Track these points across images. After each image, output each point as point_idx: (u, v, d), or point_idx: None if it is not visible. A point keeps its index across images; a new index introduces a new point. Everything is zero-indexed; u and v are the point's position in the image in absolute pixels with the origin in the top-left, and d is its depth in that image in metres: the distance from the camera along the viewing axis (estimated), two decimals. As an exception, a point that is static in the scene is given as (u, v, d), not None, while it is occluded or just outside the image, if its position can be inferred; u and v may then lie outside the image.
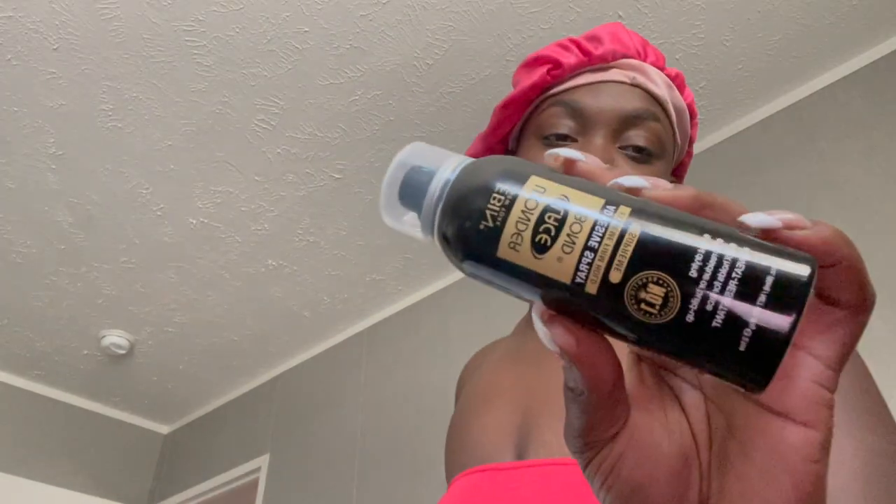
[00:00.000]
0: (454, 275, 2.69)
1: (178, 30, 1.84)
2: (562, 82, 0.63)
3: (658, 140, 0.60)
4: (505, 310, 2.43)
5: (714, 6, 1.80)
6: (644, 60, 0.64)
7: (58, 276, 2.67)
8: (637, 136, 0.59)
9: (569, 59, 0.62)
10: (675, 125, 0.64)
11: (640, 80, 0.61)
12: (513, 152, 0.67)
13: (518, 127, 0.67)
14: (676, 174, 0.71)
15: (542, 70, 0.62)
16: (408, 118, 2.09)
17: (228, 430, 3.30)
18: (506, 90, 2.00)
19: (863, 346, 1.59)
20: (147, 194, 2.34)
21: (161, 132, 2.13)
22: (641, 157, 0.59)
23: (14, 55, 1.90)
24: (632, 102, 0.60)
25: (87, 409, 3.44)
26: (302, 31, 1.85)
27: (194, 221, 2.45)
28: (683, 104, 0.66)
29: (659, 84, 0.62)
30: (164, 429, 3.71)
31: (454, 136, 2.14)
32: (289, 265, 2.64)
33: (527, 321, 0.69)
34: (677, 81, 0.65)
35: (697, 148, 2.16)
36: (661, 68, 0.65)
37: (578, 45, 0.62)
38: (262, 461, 2.98)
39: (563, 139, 0.60)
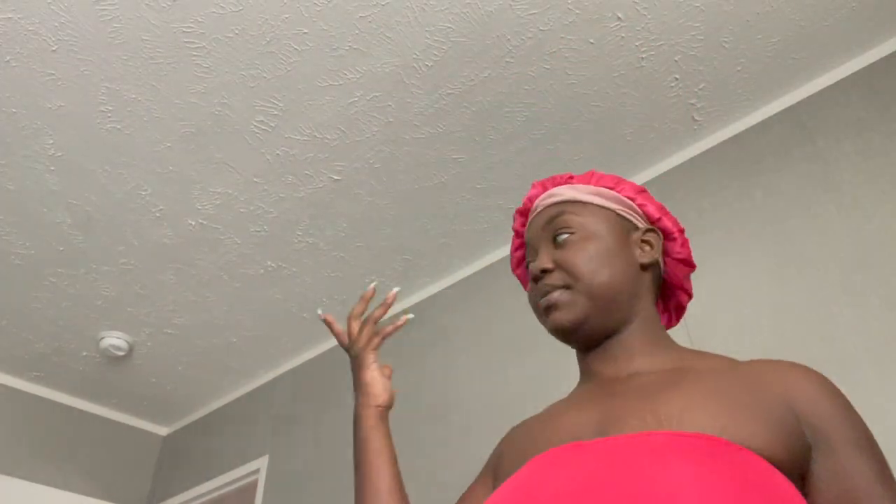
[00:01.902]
0: (453, 276, 2.69)
1: (178, 31, 1.84)
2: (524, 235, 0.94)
3: (574, 222, 0.83)
4: (504, 312, 2.43)
5: (713, 8, 1.80)
6: (548, 189, 0.90)
7: (57, 277, 2.67)
8: (558, 231, 0.83)
9: (518, 224, 0.94)
10: (602, 203, 0.85)
11: (549, 200, 0.88)
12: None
13: None
14: (652, 221, 0.88)
15: (514, 239, 0.95)
16: (407, 119, 2.09)
17: (227, 431, 3.30)
18: (504, 91, 2.00)
19: (862, 347, 1.59)
20: (146, 196, 2.34)
21: (160, 133, 2.12)
22: (564, 239, 0.82)
23: (13, 56, 1.90)
24: (547, 215, 0.86)
25: (86, 410, 3.43)
26: (301, 33, 1.85)
27: (193, 223, 2.45)
28: (600, 188, 0.87)
29: (563, 193, 0.87)
30: (163, 430, 3.70)
31: (453, 137, 2.14)
32: (288, 266, 2.64)
33: (576, 387, 0.84)
34: (576, 180, 0.89)
35: (696, 149, 2.16)
36: (564, 182, 0.89)
37: (518, 211, 0.94)
38: (262, 463, 2.97)
39: (529, 263, 0.88)
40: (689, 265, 0.88)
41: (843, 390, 1.58)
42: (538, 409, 2.14)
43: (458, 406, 2.37)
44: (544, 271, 0.81)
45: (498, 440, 2.19)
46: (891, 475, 0.63)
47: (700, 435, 0.59)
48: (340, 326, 0.98)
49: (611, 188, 0.87)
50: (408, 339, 2.71)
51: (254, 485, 3.07)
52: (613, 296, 0.78)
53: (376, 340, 0.93)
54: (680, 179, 2.17)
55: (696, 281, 1.96)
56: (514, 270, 0.96)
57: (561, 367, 2.16)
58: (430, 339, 2.63)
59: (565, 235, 0.82)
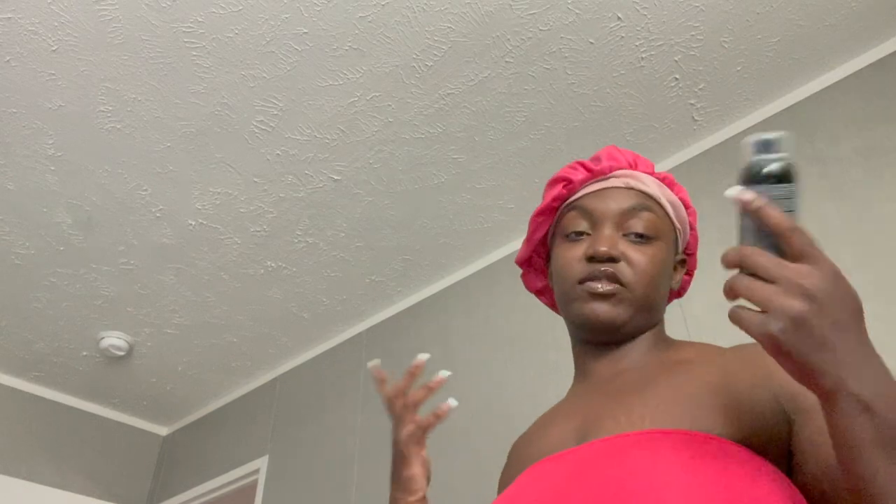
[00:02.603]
0: (454, 276, 2.69)
1: (178, 31, 1.84)
2: (575, 193, 0.83)
3: (653, 226, 0.77)
4: (505, 312, 2.43)
5: (713, 8, 1.80)
6: (635, 169, 0.82)
7: (57, 277, 2.67)
8: (635, 224, 0.77)
9: (577, 175, 0.82)
10: (672, 215, 0.81)
11: (633, 183, 0.79)
12: (550, 249, 0.88)
13: (551, 230, 0.87)
14: (687, 252, 0.87)
15: (559, 186, 0.83)
16: (407, 120, 2.09)
17: (227, 431, 3.30)
18: (504, 91, 2.00)
19: (862, 348, 1.59)
20: (146, 195, 2.34)
21: (160, 133, 2.12)
22: (641, 240, 0.76)
23: (13, 56, 1.90)
24: (628, 200, 0.78)
25: (86, 410, 3.43)
26: (301, 33, 1.85)
27: (193, 223, 2.45)
28: (676, 199, 0.83)
29: (649, 185, 0.80)
30: (162, 430, 3.71)
31: (453, 137, 2.14)
32: (288, 266, 2.64)
33: (572, 385, 0.84)
34: (667, 182, 0.83)
35: (696, 149, 2.17)
36: (651, 174, 0.82)
37: (583, 165, 0.82)
38: (262, 463, 2.98)
39: (580, 235, 0.79)
40: (675, 297, 0.89)
41: (843, 390, 1.57)
42: (538, 410, 2.14)
43: (458, 406, 2.37)
44: (611, 259, 0.75)
45: (498, 440, 2.19)
46: None
47: (669, 430, 0.59)
48: (388, 389, 0.89)
49: (686, 206, 0.84)
50: (408, 338, 2.72)
51: (254, 485, 3.08)
52: (652, 308, 0.77)
53: (423, 438, 0.85)
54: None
55: (697, 280, 1.96)
56: (536, 215, 0.86)
57: (561, 366, 2.16)
58: (430, 339, 2.63)
59: (643, 234, 0.76)
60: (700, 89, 2.01)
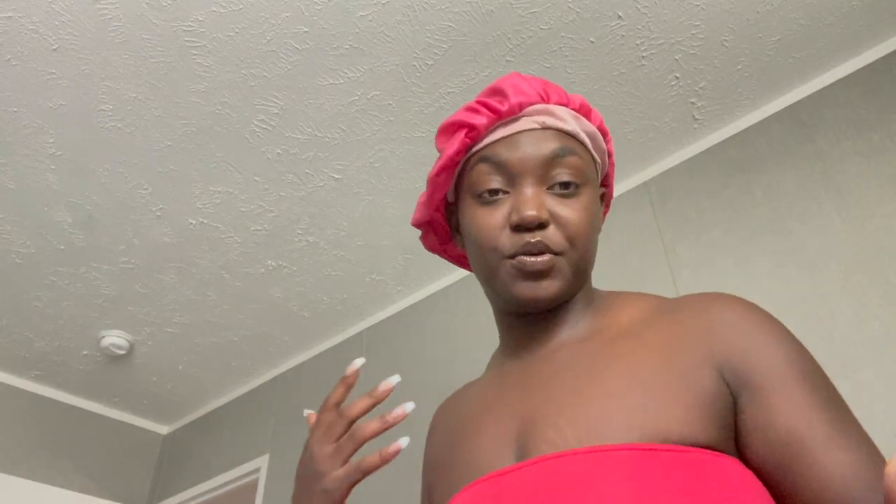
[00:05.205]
0: (454, 275, 2.69)
1: (178, 30, 1.84)
2: (480, 140, 0.68)
3: (579, 171, 0.66)
4: (504, 310, 2.43)
5: (714, 7, 1.80)
6: (548, 102, 0.68)
7: (57, 276, 2.67)
8: (561, 174, 0.65)
9: (480, 120, 0.67)
10: (591, 149, 0.70)
11: (549, 121, 0.67)
12: (454, 206, 0.74)
13: (452, 187, 0.73)
14: (605, 184, 0.76)
15: (461, 135, 0.68)
16: (407, 118, 2.09)
17: (228, 430, 3.30)
18: (505, 91, 2.00)
19: (861, 347, 1.60)
20: (147, 195, 2.34)
21: (161, 132, 2.13)
22: (569, 191, 0.65)
23: (14, 55, 1.90)
24: (548, 145, 0.66)
25: (87, 409, 3.44)
26: (301, 32, 1.85)
27: (194, 222, 2.45)
28: (593, 128, 0.70)
29: (567, 120, 0.68)
30: (163, 429, 3.71)
31: (454, 136, 2.14)
32: (288, 265, 2.64)
33: (501, 354, 0.74)
34: (582, 110, 0.70)
35: (696, 148, 2.16)
36: (565, 104, 0.69)
37: (486, 105, 0.68)
38: (262, 461, 2.98)
39: (495, 193, 0.66)
40: None
41: (844, 390, 1.58)
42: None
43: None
44: (540, 225, 0.63)
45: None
46: (842, 405, 0.56)
47: (618, 447, 0.53)
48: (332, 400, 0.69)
49: (604, 134, 0.72)
50: (409, 337, 2.72)
51: (254, 483, 3.08)
52: (587, 268, 0.67)
53: (357, 476, 0.65)
54: (680, 179, 2.17)
55: (697, 280, 1.96)
56: (436, 175, 0.70)
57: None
58: (430, 338, 2.63)
59: (570, 183, 0.65)
60: (701, 88, 2.01)
